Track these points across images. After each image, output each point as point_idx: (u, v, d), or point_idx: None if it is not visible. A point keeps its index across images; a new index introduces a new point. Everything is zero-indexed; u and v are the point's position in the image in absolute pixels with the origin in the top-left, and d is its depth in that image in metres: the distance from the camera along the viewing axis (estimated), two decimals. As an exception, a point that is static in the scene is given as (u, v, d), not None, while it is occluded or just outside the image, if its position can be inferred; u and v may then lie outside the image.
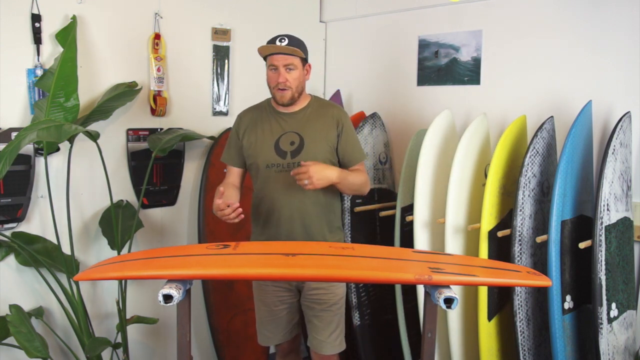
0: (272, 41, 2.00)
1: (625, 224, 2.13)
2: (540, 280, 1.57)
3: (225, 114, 2.92)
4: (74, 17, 2.27)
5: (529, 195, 2.11)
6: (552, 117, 2.23)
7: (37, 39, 2.23)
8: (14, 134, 2.14)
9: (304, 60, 2.04)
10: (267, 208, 2.07)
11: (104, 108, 2.36)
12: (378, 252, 1.79)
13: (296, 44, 2.00)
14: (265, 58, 2.03)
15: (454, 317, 2.27)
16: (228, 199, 1.91)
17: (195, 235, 2.86)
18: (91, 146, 2.30)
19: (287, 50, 1.96)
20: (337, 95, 3.17)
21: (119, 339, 2.48)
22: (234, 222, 1.89)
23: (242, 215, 1.88)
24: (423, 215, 2.38)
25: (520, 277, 1.59)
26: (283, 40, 1.97)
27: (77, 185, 2.42)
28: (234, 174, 2.16)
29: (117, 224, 2.43)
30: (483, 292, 2.15)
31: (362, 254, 1.73)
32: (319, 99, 2.16)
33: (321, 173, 1.91)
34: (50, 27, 2.26)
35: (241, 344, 2.90)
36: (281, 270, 1.59)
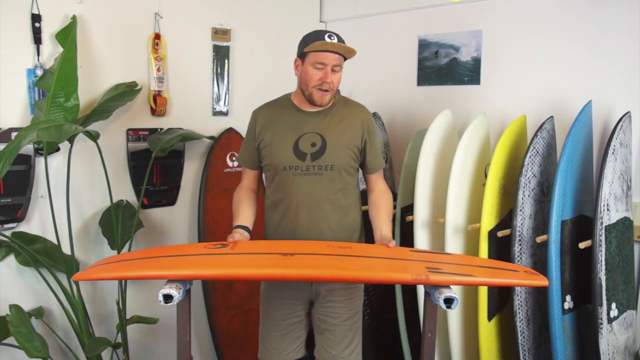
0: (318, 36, 1.82)
1: (625, 224, 2.12)
2: (538, 280, 1.57)
3: (225, 114, 2.92)
4: (74, 17, 2.27)
5: (529, 195, 2.11)
6: (552, 117, 2.23)
7: (37, 39, 2.23)
8: (14, 134, 2.14)
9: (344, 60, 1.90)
10: (283, 213, 1.94)
11: (104, 108, 2.36)
12: (376, 251, 1.78)
13: (343, 42, 1.85)
14: (304, 53, 1.85)
15: (454, 317, 2.27)
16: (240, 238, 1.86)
17: (195, 235, 2.86)
18: (91, 146, 2.30)
19: (343, 50, 1.81)
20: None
21: (119, 339, 2.48)
22: None
23: None
24: (423, 215, 2.38)
25: (517, 276, 1.59)
26: (332, 37, 1.81)
27: (77, 185, 2.41)
28: (250, 177, 2.05)
29: (117, 224, 2.43)
30: (483, 292, 2.15)
31: (360, 253, 1.73)
32: (344, 98, 2.03)
33: (392, 242, 1.85)
34: (50, 27, 2.26)
35: (241, 344, 2.90)
36: (279, 270, 1.58)
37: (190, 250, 1.75)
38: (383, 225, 1.93)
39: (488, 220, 2.16)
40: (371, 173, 2.03)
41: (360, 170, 2.06)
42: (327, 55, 1.82)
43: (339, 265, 1.60)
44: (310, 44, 1.82)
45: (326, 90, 1.86)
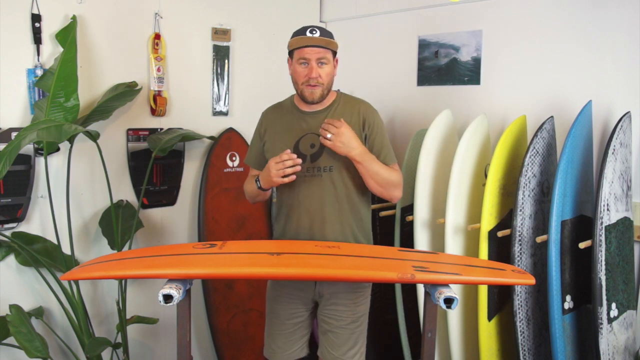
0: (301, 32, 1.83)
1: (625, 224, 2.12)
2: (525, 279, 1.57)
3: (225, 114, 2.92)
4: (74, 17, 2.27)
5: (529, 195, 2.11)
6: (552, 117, 2.23)
7: (37, 39, 2.23)
8: (14, 134, 2.14)
9: (334, 54, 1.87)
10: (286, 214, 1.95)
11: (104, 108, 2.36)
12: (364, 251, 1.79)
13: (329, 35, 1.84)
14: (291, 52, 1.86)
15: (454, 317, 2.27)
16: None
17: (195, 235, 2.86)
18: (91, 146, 2.31)
19: (321, 42, 1.80)
20: (337, 95, 3.17)
21: (119, 339, 2.48)
22: (284, 179, 1.80)
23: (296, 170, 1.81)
24: (423, 215, 2.38)
25: (504, 275, 1.59)
26: (314, 32, 1.80)
27: (77, 185, 2.42)
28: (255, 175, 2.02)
29: (117, 224, 2.43)
30: (483, 292, 2.15)
31: (348, 253, 1.73)
32: (345, 95, 1.99)
33: (347, 137, 1.77)
34: (50, 27, 2.26)
35: (241, 344, 2.90)
36: (265, 269, 1.59)
37: (179, 250, 1.76)
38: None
39: (488, 220, 2.16)
40: None
41: None
42: (308, 50, 1.81)
43: (325, 264, 1.61)
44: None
45: (314, 86, 1.84)
